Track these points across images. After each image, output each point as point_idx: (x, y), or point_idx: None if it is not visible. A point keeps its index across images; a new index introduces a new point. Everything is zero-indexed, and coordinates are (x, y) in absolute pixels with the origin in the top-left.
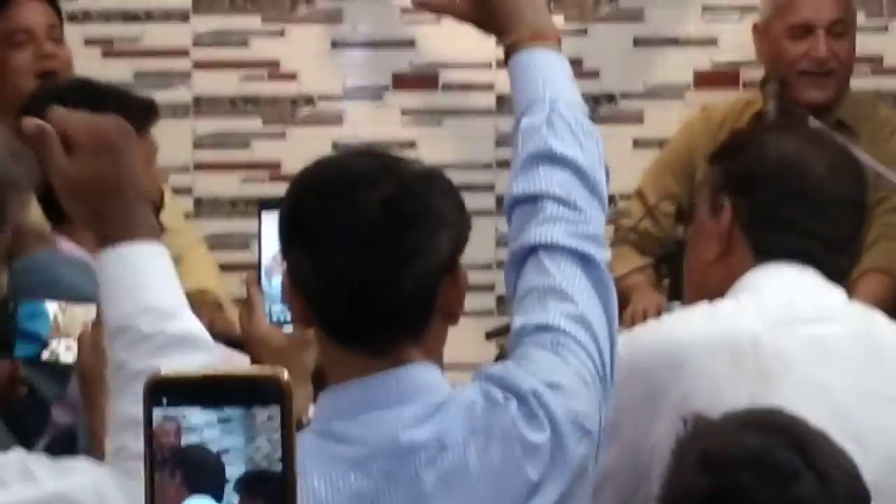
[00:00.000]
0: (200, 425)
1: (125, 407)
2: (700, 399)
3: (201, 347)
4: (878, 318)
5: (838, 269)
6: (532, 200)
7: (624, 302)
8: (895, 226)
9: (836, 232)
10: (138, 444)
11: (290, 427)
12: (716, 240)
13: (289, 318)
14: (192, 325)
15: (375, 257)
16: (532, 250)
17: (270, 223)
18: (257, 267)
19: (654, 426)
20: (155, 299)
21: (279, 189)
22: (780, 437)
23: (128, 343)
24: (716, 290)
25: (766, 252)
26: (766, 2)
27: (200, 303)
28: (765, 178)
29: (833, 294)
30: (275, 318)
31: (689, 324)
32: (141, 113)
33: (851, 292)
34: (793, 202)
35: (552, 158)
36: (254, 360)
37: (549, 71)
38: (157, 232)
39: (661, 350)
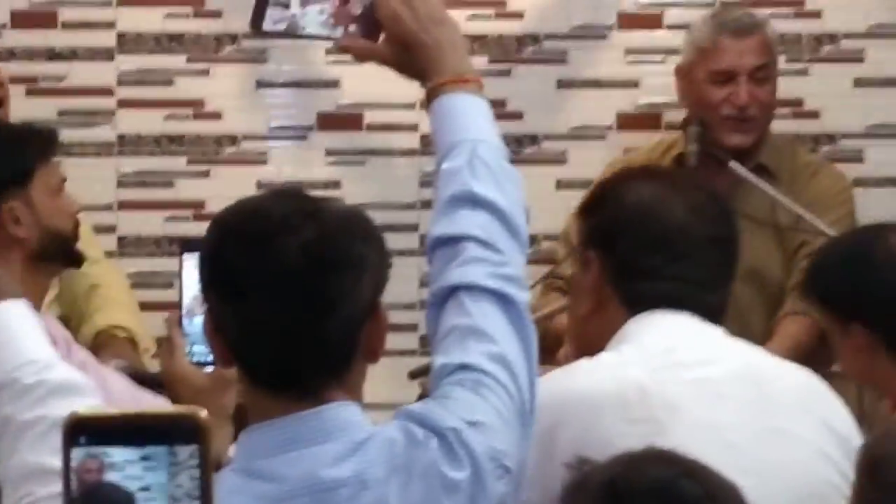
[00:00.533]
0: (122, 463)
1: (23, 458)
2: (591, 452)
3: (85, 392)
4: (758, 354)
5: (712, 308)
6: (453, 242)
7: (557, 344)
8: None
9: (702, 272)
10: (46, 489)
11: (207, 465)
12: (587, 295)
13: (210, 358)
14: (70, 372)
15: (297, 305)
16: (453, 291)
17: (192, 264)
18: (179, 307)
19: (549, 481)
20: (33, 352)
21: (203, 228)
22: (679, 469)
23: (12, 396)
24: (595, 345)
25: (636, 302)
26: (689, 46)
27: (110, 338)
28: (623, 229)
29: (711, 335)
30: (196, 359)
31: (573, 379)
32: (42, 142)
33: (773, 335)
34: (653, 249)
35: (473, 201)
36: (175, 400)
37: (470, 115)
38: (18, 292)
39: (548, 406)
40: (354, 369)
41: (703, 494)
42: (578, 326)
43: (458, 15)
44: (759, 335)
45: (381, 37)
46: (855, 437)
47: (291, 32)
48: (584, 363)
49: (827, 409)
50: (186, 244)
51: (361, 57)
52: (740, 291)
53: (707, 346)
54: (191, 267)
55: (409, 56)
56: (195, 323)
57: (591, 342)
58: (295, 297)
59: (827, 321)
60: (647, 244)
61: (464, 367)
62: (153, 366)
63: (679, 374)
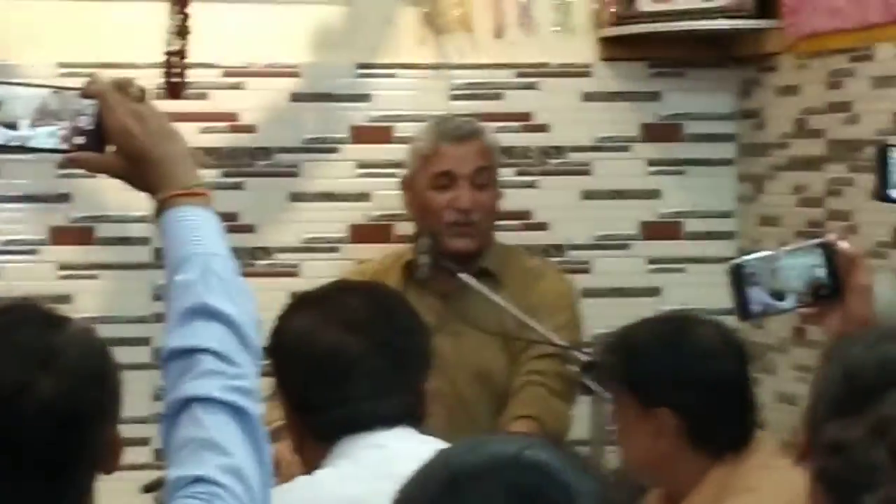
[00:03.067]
0: None
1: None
2: None
3: None
4: None
5: (393, 414)
6: (188, 354)
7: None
8: (540, 372)
9: (368, 385)
10: None
11: None
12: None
13: None
14: None
15: (38, 463)
16: (188, 403)
17: None
18: None
19: None
20: None
21: None
22: (522, 443)
23: None
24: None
25: (324, 436)
26: (412, 155)
27: None
28: (285, 367)
29: (424, 441)
30: None
31: (292, 495)
32: None
33: None
34: (315, 381)
35: (208, 313)
36: None
37: (200, 228)
38: None
39: None
40: (91, 487)
41: (550, 460)
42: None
43: (191, 128)
44: (487, 432)
45: (109, 148)
46: None
47: (9, 144)
48: (303, 480)
49: None
50: None
51: (90, 168)
52: (468, 391)
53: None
54: None
55: (138, 169)
56: None
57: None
58: (35, 457)
59: (624, 404)
60: (308, 376)
61: (198, 480)
62: None
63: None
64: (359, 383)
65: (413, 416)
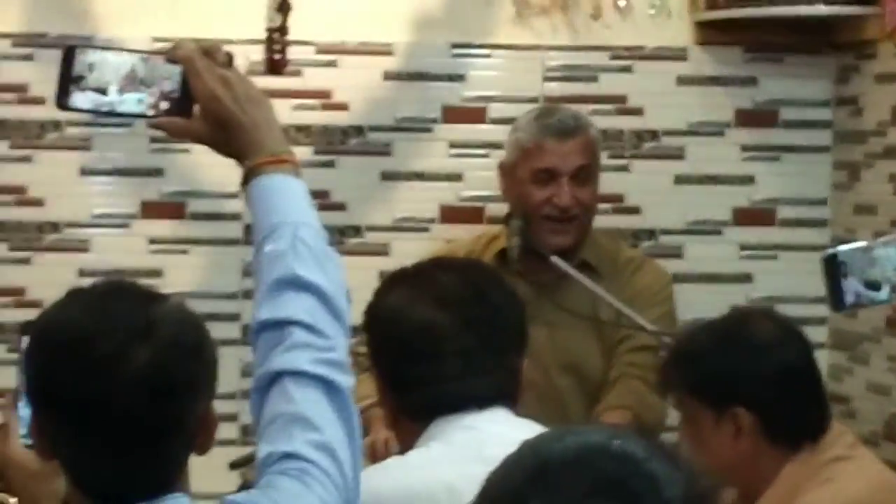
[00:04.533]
0: None
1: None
2: None
3: None
4: None
5: (485, 393)
6: (279, 326)
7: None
8: (635, 364)
9: (458, 363)
10: None
11: None
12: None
13: None
14: None
15: (132, 433)
16: (278, 376)
17: None
18: (15, 390)
19: None
20: None
21: (23, 315)
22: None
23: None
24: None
25: (419, 415)
26: (512, 145)
27: None
28: (379, 345)
29: (516, 424)
30: (30, 443)
31: (384, 477)
32: None
33: None
34: (407, 358)
35: (298, 284)
36: (7, 483)
37: (289, 196)
38: None
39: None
40: (185, 464)
41: (637, 451)
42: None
43: (284, 105)
44: (579, 423)
45: (194, 114)
46: None
47: (97, 109)
48: (395, 461)
49: None
50: (25, 328)
51: (175, 134)
52: (561, 381)
53: (514, 437)
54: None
55: (225, 135)
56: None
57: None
58: (130, 428)
59: (695, 412)
60: (399, 354)
61: (288, 456)
62: None
63: (488, 469)
64: (449, 361)
65: (506, 395)
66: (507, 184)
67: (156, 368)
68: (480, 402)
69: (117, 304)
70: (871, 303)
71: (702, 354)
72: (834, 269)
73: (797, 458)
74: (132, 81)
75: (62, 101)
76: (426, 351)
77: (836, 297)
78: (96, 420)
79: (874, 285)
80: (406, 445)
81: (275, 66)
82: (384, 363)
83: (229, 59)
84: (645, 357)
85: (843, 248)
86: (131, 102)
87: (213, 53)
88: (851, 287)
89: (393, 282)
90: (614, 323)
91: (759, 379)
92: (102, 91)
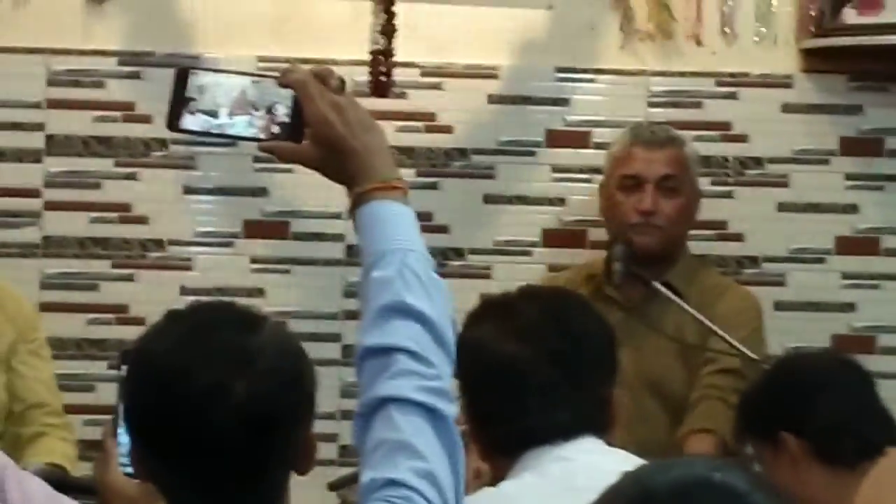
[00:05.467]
0: None
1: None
2: None
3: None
4: None
5: (567, 427)
6: (384, 353)
7: None
8: (718, 387)
9: (544, 398)
10: None
11: None
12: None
13: None
14: None
15: (231, 466)
16: (382, 403)
17: None
18: (114, 416)
19: None
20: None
21: (126, 332)
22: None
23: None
24: None
25: (504, 450)
26: (607, 158)
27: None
28: (469, 382)
29: (608, 454)
30: (128, 470)
31: None
32: None
33: (681, 453)
34: (489, 395)
35: (405, 312)
36: None
37: (398, 223)
38: None
39: None
40: (286, 489)
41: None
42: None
43: (389, 126)
44: (664, 443)
45: (305, 138)
46: None
47: (209, 131)
48: (488, 492)
49: None
50: (125, 356)
51: (285, 158)
52: (646, 402)
53: (605, 468)
54: None
55: (336, 161)
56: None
57: None
58: (230, 460)
59: (759, 451)
60: (483, 388)
61: (392, 483)
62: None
63: (581, 497)
64: (532, 396)
65: (595, 425)
66: (602, 201)
67: (254, 400)
68: (566, 433)
69: (215, 334)
70: None
71: (749, 393)
72: None
73: (857, 477)
74: (243, 104)
75: (173, 123)
76: (508, 386)
77: None
78: (195, 452)
79: None
80: (498, 476)
81: (380, 88)
82: (470, 397)
83: (342, 84)
84: (727, 380)
85: None
86: (241, 125)
87: (326, 78)
88: None
89: (477, 314)
90: (699, 345)
91: (796, 401)
92: (213, 114)
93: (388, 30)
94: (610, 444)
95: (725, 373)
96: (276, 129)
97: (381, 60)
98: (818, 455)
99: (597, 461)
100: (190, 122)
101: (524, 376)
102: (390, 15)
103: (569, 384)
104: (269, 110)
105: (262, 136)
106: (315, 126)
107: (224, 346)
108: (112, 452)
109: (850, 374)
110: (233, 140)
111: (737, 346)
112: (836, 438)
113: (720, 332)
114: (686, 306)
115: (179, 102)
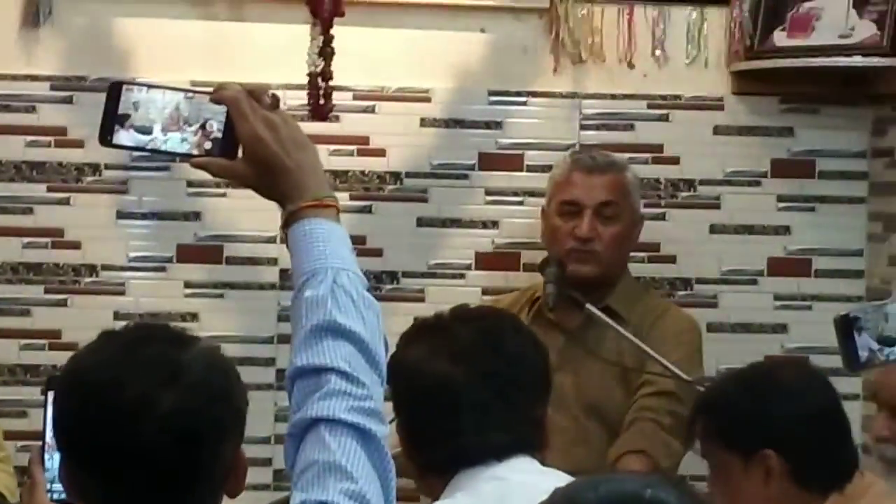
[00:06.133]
0: None
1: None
2: None
3: None
4: None
5: (503, 447)
6: (316, 373)
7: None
8: (651, 409)
9: (477, 418)
10: None
11: None
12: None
13: None
14: None
15: (159, 479)
16: (313, 423)
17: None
18: (42, 442)
19: None
20: None
21: (59, 358)
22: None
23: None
24: None
25: (440, 470)
26: (549, 182)
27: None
28: (402, 401)
29: (542, 473)
30: (56, 496)
31: None
32: None
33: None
34: (423, 416)
35: (337, 331)
36: None
37: (330, 241)
38: None
39: None
40: None
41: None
42: None
43: (321, 150)
44: (604, 466)
45: (238, 155)
46: None
47: (142, 146)
48: None
49: None
50: (51, 382)
51: (218, 174)
52: (587, 425)
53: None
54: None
55: (269, 178)
56: (56, 459)
57: None
58: (157, 473)
59: (724, 459)
60: (418, 410)
61: None
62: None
63: None
64: (466, 416)
65: (528, 445)
66: (543, 225)
67: (181, 413)
68: (500, 453)
69: (146, 349)
70: (885, 359)
71: (729, 401)
72: (846, 327)
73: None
74: (176, 120)
75: (106, 138)
76: (442, 407)
77: (849, 356)
78: (123, 464)
79: (888, 341)
80: (432, 496)
81: (319, 111)
82: (404, 417)
83: (276, 101)
84: (660, 402)
85: (855, 307)
86: (174, 141)
87: (259, 95)
88: (865, 343)
89: (411, 335)
90: (638, 369)
91: (788, 422)
92: (147, 130)
93: (326, 52)
94: (544, 464)
95: (660, 395)
96: (209, 146)
97: (318, 84)
98: (795, 477)
99: (531, 481)
100: (123, 137)
101: (458, 396)
102: (328, 37)
103: (503, 404)
104: (203, 126)
105: (195, 151)
106: (247, 143)
107: (154, 360)
108: (39, 480)
109: (828, 396)
110: (166, 156)
111: (671, 369)
112: (817, 465)
113: (654, 354)
114: (621, 329)
115: (112, 117)
